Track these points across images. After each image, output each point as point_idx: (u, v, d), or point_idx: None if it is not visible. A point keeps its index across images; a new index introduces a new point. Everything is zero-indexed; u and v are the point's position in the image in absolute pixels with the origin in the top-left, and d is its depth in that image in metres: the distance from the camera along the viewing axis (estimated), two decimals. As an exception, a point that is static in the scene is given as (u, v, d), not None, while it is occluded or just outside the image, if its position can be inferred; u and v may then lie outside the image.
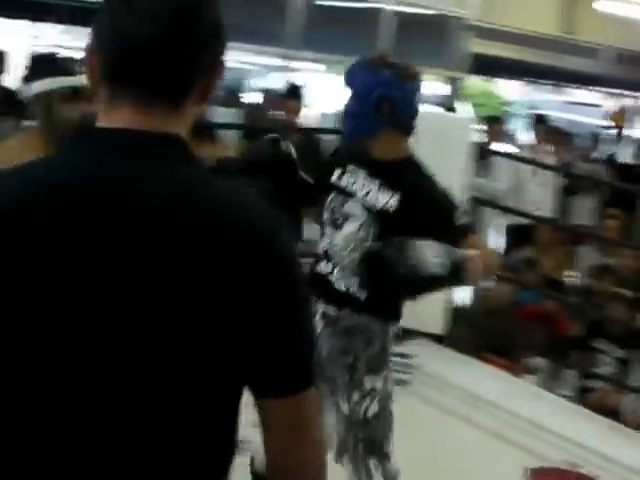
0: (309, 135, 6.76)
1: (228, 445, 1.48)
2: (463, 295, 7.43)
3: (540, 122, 8.24)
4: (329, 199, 3.29)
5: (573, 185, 8.45)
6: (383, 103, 3.08)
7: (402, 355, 5.62)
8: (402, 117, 3.16)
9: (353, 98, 3.15)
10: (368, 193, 3.21)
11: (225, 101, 9.31)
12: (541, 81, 17.24)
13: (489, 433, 4.82)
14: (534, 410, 5.01)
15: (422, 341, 5.78)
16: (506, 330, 6.32)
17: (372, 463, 3.30)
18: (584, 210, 8.40)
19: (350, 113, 3.17)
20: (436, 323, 5.72)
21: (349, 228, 3.23)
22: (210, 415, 1.42)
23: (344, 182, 3.26)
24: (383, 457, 3.32)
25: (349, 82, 3.16)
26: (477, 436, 4.80)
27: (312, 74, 10.52)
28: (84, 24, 12.51)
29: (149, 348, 1.35)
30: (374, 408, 3.30)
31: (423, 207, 3.12)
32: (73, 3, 8.43)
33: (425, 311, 5.65)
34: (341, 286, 3.25)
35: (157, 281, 1.34)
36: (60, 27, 18.41)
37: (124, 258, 1.34)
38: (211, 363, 1.38)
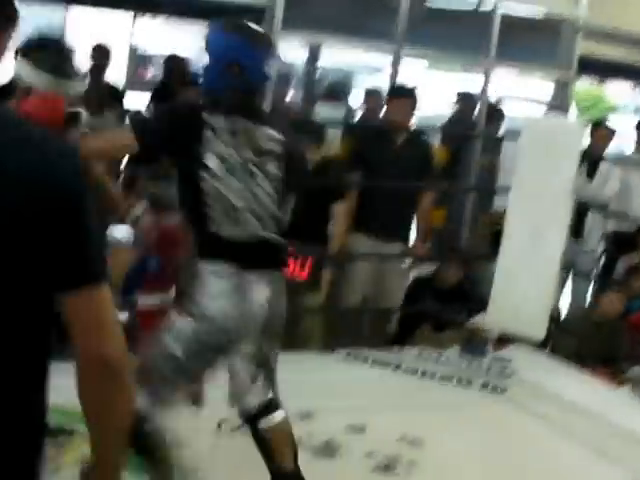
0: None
1: (38, 351, 1.67)
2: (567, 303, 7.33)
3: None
4: None
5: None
6: (232, 66, 3.37)
7: (499, 360, 5.53)
8: (248, 81, 3.43)
9: (209, 58, 3.45)
10: None
11: (332, 99, 9.32)
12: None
13: (587, 445, 4.71)
14: (636, 423, 4.88)
15: (522, 347, 5.69)
16: (613, 341, 6.17)
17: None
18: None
19: (205, 71, 3.51)
20: (538, 330, 5.61)
21: None
22: (20, 320, 1.63)
23: None
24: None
25: (206, 43, 3.48)
26: (574, 447, 4.70)
27: (413, 73, 10.42)
28: (185, 17, 12.67)
29: None
30: None
31: None
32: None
33: (527, 317, 5.56)
34: None
35: None
36: (159, 21, 18.65)
37: None
38: (16, 273, 1.61)
